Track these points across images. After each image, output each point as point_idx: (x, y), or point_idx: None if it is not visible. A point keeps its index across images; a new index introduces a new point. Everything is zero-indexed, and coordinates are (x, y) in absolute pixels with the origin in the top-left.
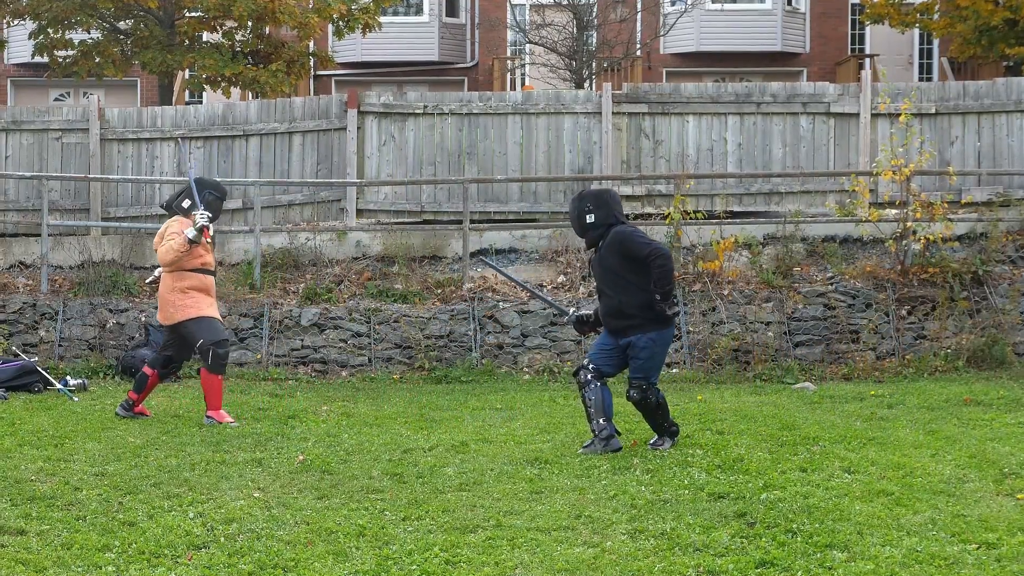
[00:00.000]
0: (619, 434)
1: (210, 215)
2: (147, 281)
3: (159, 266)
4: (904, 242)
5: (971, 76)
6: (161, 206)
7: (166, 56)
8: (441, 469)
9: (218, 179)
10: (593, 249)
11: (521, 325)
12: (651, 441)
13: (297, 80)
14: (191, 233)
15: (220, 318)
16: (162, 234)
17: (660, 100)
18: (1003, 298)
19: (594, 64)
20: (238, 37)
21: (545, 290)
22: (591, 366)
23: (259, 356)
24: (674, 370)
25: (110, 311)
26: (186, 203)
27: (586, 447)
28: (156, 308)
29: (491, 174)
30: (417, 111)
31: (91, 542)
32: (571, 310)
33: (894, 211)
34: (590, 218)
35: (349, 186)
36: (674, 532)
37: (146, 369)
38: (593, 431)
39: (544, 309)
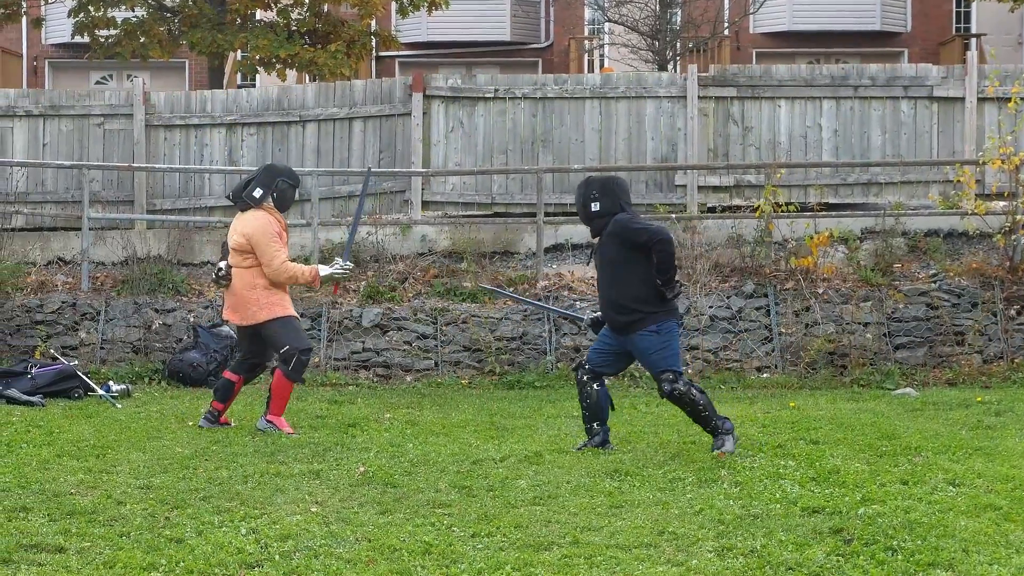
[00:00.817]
0: (608, 442)
1: (351, 266)
2: (220, 275)
3: (225, 260)
4: (1013, 237)
5: None
6: (227, 196)
7: (216, 36)
8: (513, 481)
9: None
10: (596, 239)
11: None
12: (713, 447)
13: (358, 62)
14: (324, 272)
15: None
16: (245, 234)
17: (750, 83)
18: None
19: (678, 44)
20: (294, 16)
21: None
22: (588, 366)
23: (317, 360)
24: (764, 375)
25: (156, 311)
26: (258, 192)
27: (579, 448)
28: (206, 308)
29: (567, 163)
30: (487, 95)
31: (135, 560)
32: (586, 314)
33: (1002, 203)
34: (595, 206)
35: (414, 176)
36: (765, 550)
37: (229, 375)
38: (587, 433)
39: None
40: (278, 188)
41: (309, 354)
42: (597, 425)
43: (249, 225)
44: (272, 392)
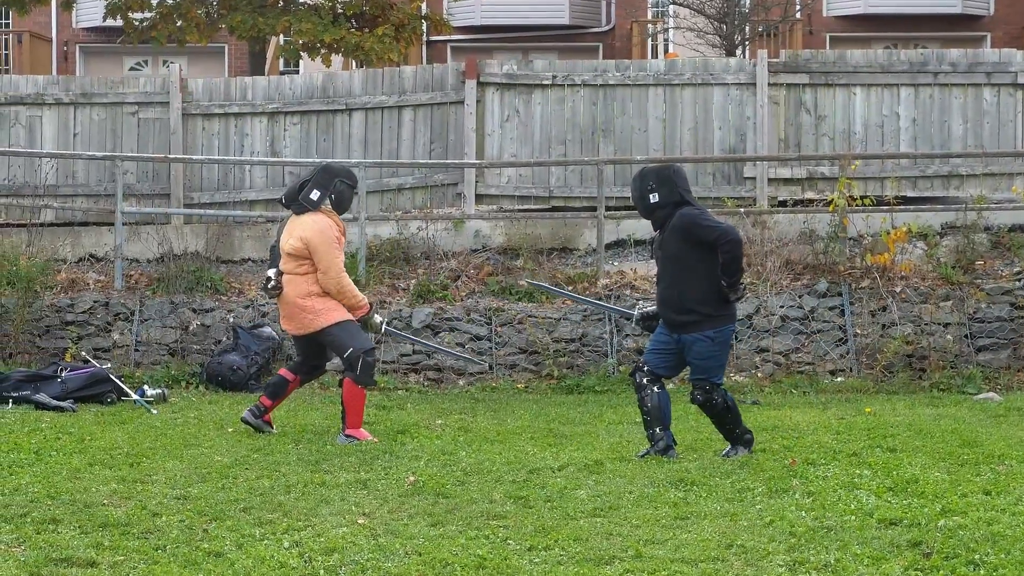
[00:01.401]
0: (675, 444)
1: (384, 332)
2: (270, 286)
3: (274, 267)
4: None
5: None
6: (280, 201)
7: (257, 19)
8: (572, 492)
9: (316, 160)
10: (658, 232)
11: None
12: (724, 451)
13: (407, 47)
14: (376, 320)
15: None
16: (304, 240)
17: (823, 70)
18: None
19: (747, 28)
20: None
21: None
22: (646, 368)
23: None
24: (838, 378)
25: (193, 311)
26: (315, 194)
27: (641, 455)
28: (247, 307)
29: (629, 154)
30: (545, 82)
31: (172, 575)
32: (635, 310)
33: None
34: (654, 197)
35: (467, 168)
36: (839, 564)
37: (285, 373)
38: (649, 439)
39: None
40: (336, 189)
41: (374, 354)
42: (660, 430)
43: (308, 229)
44: (345, 405)
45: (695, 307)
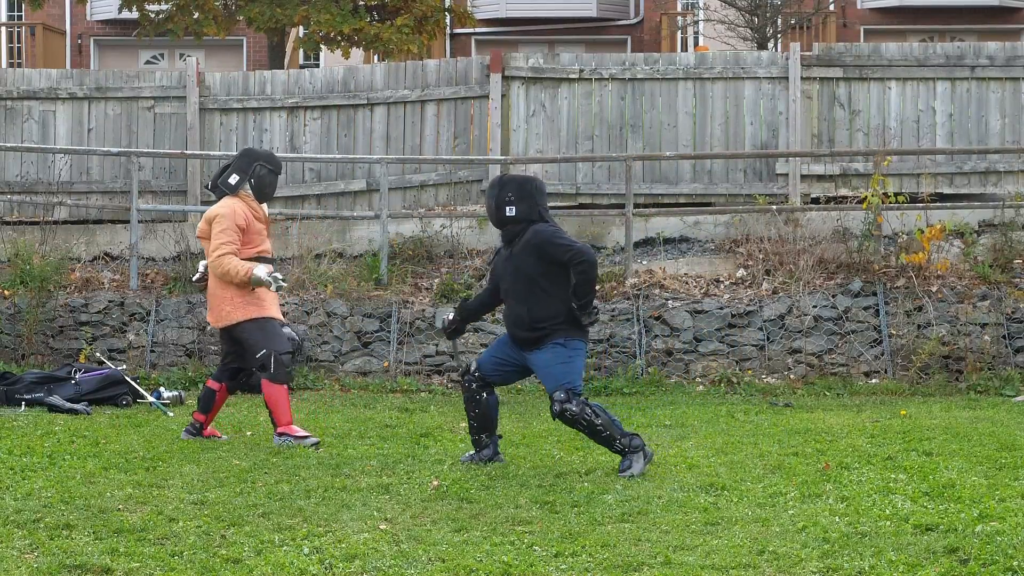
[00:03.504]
0: (497, 453)
1: (284, 285)
2: (195, 279)
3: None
4: None
5: None
6: (206, 187)
7: (275, 10)
8: (600, 497)
9: (337, 155)
10: (506, 245)
11: (694, 327)
12: (619, 469)
13: (430, 40)
14: (261, 273)
15: (283, 318)
16: (209, 220)
17: (857, 63)
18: None
19: (780, 21)
20: None
21: (722, 286)
22: (477, 374)
23: (386, 364)
24: (873, 380)
25: None
26: (233, 179)
27: (466, 459)
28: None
29: (658, 150)
30: (572, 76)
31: None
32: (441, 316)
33: None
34: (510, 211)
35: (492, 164)
36: (873, 570)
37: (211, 384)
38: (474, 445)
39: (720, 309)
40: (256, 174)
41: (289, 354)
42: (486, 437)
43: (214, 211)
44: (269, 405)
45: (545, 325)
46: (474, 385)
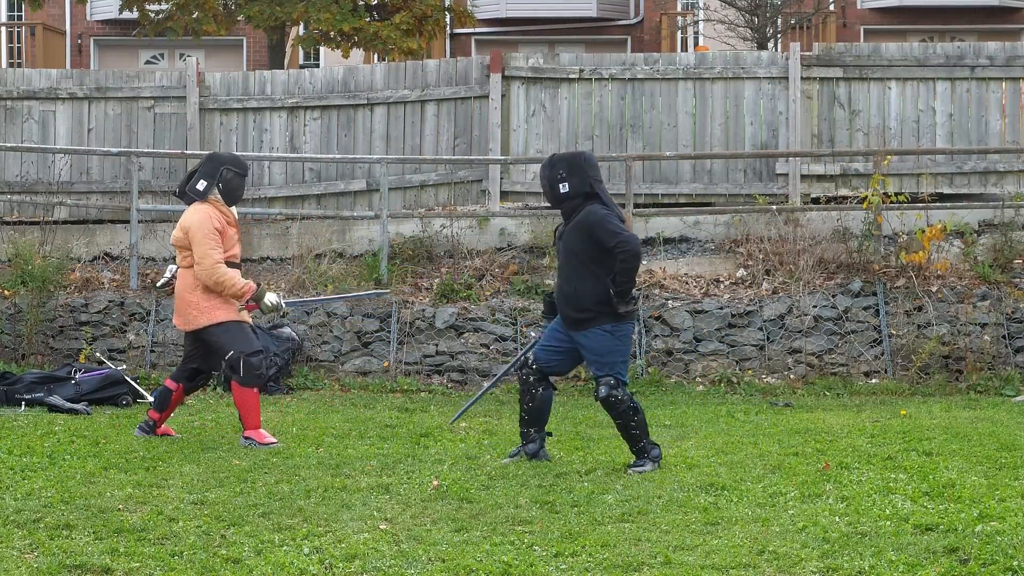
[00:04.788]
0: (542, 446)
1: (286, 312)
2: (159, 285)
3: (173, 262)
4: None
5: None
6: (174, 193)
7: (275, 9)
8: (600, 496)
9: (337, 155)
10: (564, 222)
11: (694, 327)
12: (631, 464)
13: (431, 39)
14: (270, 300)
15: (251, 322)
16: (184, 228)
17: (857, 63)
18: None
19: (780, 21)
20: None
21: (722, 286)
22: (535, 365)
23: (386, 364)
24: (873, 380)
25: None
26: (201, 185)
27: (512, 455)
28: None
29: (658, 150)
30: (572, 76)
31: None
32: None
33: None
34: (563, 187)
35: (492, 164)
36: (873, 570)
37: (168, 383)
38: (522, 438)
39: (720, 309)
40: (223, 178)
41: (259, 356)
42: (535, 431)
43: (187, 219)
44: (238, 408)
45: (592, 305)
46: (531, 377)
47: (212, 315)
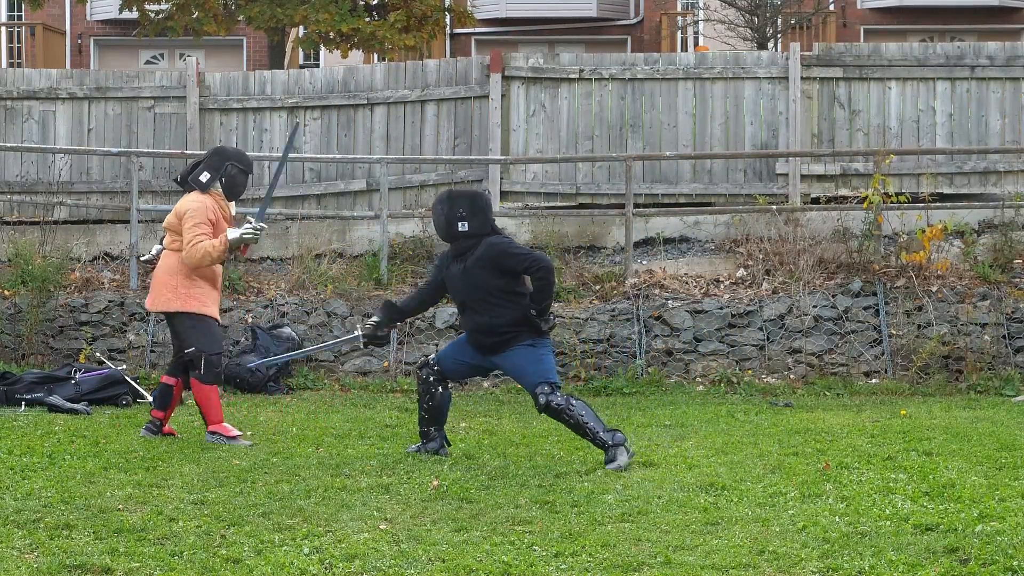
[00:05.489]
0: (449, 444)
1: (263, 227)
2: (143, 259)
3: (161, 244)
4: None
5: None
6: (174, 180)
7: (275, 9)
8: (600, 496)
9: (337, 155)
10: (456, 258)
11: (694, 327)
12: (605, 462)
13: (430, 39)
14: (233, 235)
15: (219, 320)
16: (179, 214)
17: (857, 63)
18: None
19: (780, 21)
20: None
21: (722, 286)
22: (436, 368)
23: (386, 364)
24: (873, 380)
25: None
26: (205, 176)
27: (412, 450)
28: (265, 307)
29: (658, 150)
30: (572, 76)
31: None
32: (358, 330)
33: None
34: (463, 226)
35: (492, 164)
36: (873, 570)
37: (165, 380)
38: (422, 436)
39: (720, 309)
40: (227, 173)
41: (220, 356)
42: (434, 430)
43: (184, 205)
44: (199, 403)
45: (510, 329)
46: (431, 378)
47: (187, 303)
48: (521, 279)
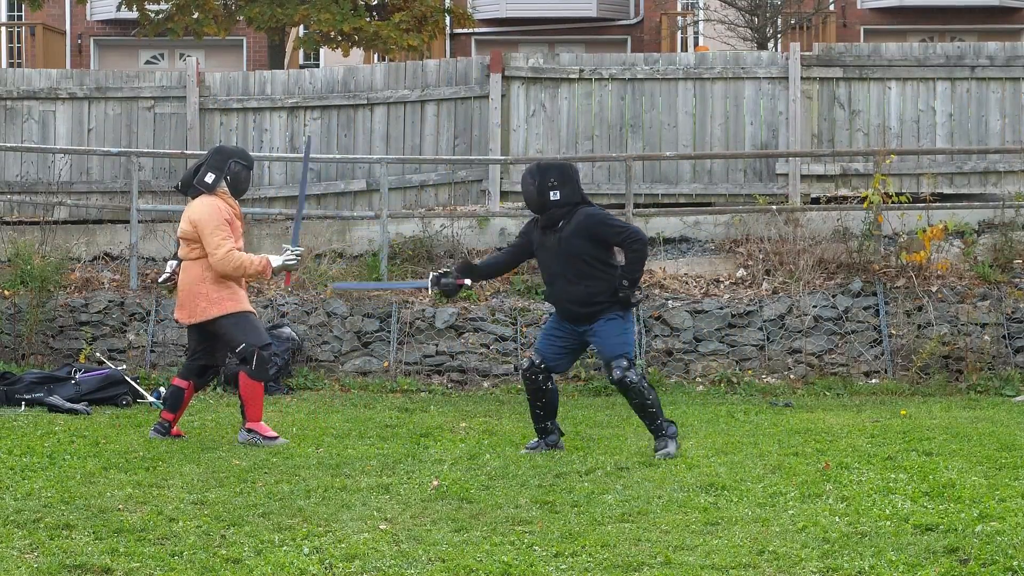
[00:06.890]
0: (563, 434)
1: (301, 251)
2: (160, 281)
3: (173, 259)
4: None
5: None
6: (176, 187)
7: (275, 9)
8: (600, 496)
9: (337, 155)
10: (546, 228)
11: (694, 327)
12: (655, 449)
13: (430, 40)
14: (276, 263)
15: (257, 313)
16: (192, 221)
17: (857, 63)
18: None
19: (780, 21)
20: None
21: (722, 286)
22: (542, 365)
23: (386, 364)
24: (873, 380)
25: None
26: (209, 177)
27: (531, 447)
28: (265, 307)
29: (658, 150)
30: (572, 76)
31: None
32: (428, 277)
33: None
34: (554, 195)
35: (492, 164)
36: (873, 570)
37: (177, 382)
38: (538, 432)
39: (720, 309)
40: (231, 171)
41: (270, 349)
42: (550, 424)
43: (197, 210)
44: (243, 399)
45: (604, 298)
46: (540, 376)
47: (223, 306)
48: (612, 251)
